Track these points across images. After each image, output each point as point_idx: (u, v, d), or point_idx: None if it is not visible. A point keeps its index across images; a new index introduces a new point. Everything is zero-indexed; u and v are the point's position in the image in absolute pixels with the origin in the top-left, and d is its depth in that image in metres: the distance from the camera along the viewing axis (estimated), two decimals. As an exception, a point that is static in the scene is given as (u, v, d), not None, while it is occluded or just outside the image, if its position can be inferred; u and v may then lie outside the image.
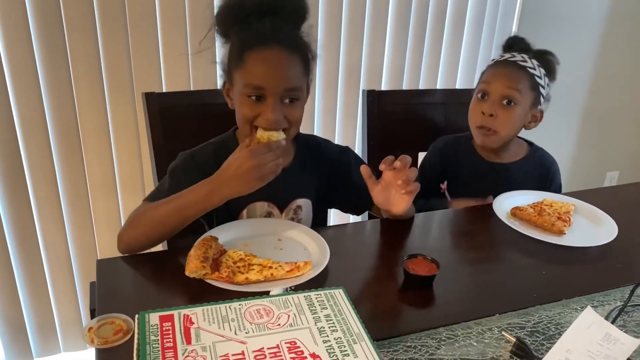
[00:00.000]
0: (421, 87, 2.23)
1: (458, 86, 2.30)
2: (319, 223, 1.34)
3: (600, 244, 1.14)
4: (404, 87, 2.20)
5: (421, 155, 1.89)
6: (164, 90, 1.84)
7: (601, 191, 1.58)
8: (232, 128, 1.26)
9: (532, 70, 1.40)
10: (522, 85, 1.40)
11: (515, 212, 1.26)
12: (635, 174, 2.92)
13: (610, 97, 2.65)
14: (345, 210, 1.43)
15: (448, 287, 1.00)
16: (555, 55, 1.46)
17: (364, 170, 1.14)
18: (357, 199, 1.34)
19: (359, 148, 2.21)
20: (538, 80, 1.41)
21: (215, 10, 1.15)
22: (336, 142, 2.21)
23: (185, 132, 1.49)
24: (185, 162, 1.20)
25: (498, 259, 1.13)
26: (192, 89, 1.88)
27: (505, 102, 1.40)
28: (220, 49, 1.19)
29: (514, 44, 1.49)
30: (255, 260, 1.01)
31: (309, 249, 1.09)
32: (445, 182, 1.55)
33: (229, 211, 1.20)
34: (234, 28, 1.12)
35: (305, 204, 1.28)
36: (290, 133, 1.15)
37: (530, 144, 1.56)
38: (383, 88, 2.18)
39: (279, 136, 1.09)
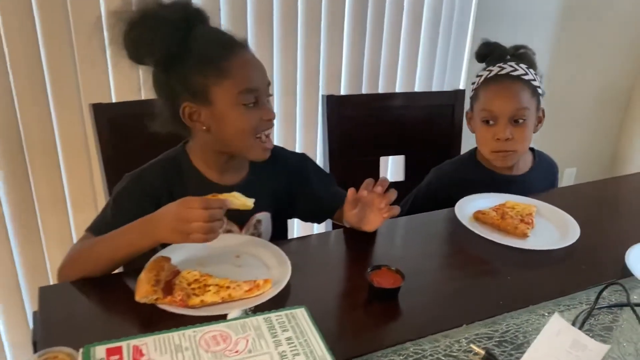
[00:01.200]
0: (380, 90, 2.21)
1: (417, 88, 2.29)
2: (279, 235, 1.29)
3: (563, 246, 1.14)
4: (364, 91, 2.18)
5: (383, 160, 1.87)
6: (113, 101, 1.76)
7: (561, 191, 1.58)
8: (182, 143, 1.19)
9: (526, 77, 1.38)
10: (525, 98, 1.37)
11: (478, 216, 1.25)
12: (592, 169, 2.98)
13: (566, 93, 2.69)
14: (306, 219, 1.39)
15: (414, 298, 0.97)
16: (529, 46, 1.45)
17: (351, 193, 1.10)
18: (318, 208, 1.30)
19: (320, 154, 2.18)
20: (534, 83, 1.39)
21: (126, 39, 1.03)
22: (297, 149, 2.19)
23: (136, 143, 1.41)
24: (130, 185, 1.12)
25: (463, 266, 1.10)
26: (143, 98, 1.80)
27: (514, 121, 1.37)
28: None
29: (490, 52, 1.46)
30: (211, 281, 0.96)
31: (269, 265, 1.04)
32: None
33: None
34: (178, 49, 1.04)
35: (264, 218, 1.23)
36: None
37: (532, 149, 1.54)
38: (342, 92, 2.15)
39: (251, 205, 1.02)
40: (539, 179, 1.50)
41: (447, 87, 2.34)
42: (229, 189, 1.10)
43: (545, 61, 2.56)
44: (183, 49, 1.03)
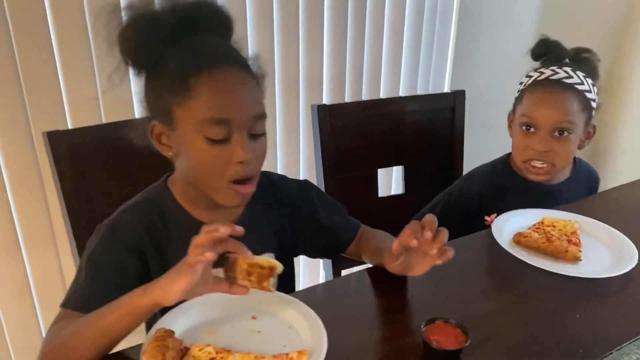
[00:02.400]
0: (364, 97, 2.04)
1: (401, 92, 2.13)
2: (286, 279, 1.09)
3: (625, 270, 0.99)
4: (347, 98, 2.00)
5: (381, 173, 1.70)
6: (69, 127, 1.51)
7: (597, 199, 1.42)
8: (163, 178, 0.98)
9: (580, 87, 1.22)
10: (574, 110, 1.21)
11: (520, 240, 1.09)
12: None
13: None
14: (314, 255, 1.20)
15: (481, 354, 0.80)
16: (594, 51, 1.29)
17: (396, 247, 0.88)
18: (327, 243, 1.11)
19: (307, 169, 1.99)
20: (588, 95, 1.23)
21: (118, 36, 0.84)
22: (278, 165, 2.00)
23: (101, 173, 1.22)
24: (105, 240, 0.90)
25: (523, 305, 0.94)
26: (104, 121, 1.56)
27: (557, 133, 1.22)
28: (136, 80, 0.91)
29: (547, 50, 1.29)
30: (230, 358, 0.76)
31: (296, 327, 0.84)
32: (493, 215, 1.30)
33: None
34: (155, 54, 0.84)
35: None
36: (258, 176, 0.92)
37: (574, 158, 1.39)
38: (325, 101, 1.96)
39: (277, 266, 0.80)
40: (577, 191, 1.35)
41: (432, 89, 2.19)
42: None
43: (527, 61, 2.46)
44: (164, 57, 0.84)
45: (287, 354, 0.76)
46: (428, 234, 0.83)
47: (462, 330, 0.80)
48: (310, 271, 2.08)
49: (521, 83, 1.31)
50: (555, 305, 0.93)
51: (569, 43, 1.31)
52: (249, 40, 1.74)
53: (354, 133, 1.60)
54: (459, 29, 2.18)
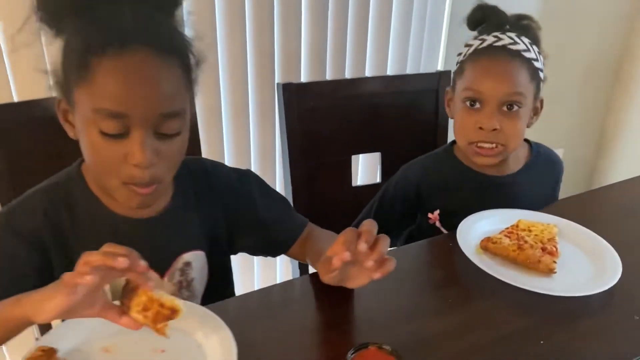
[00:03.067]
0: (347, 76, 1.88)
1: (389, 72, 1.97)
2: (219, 281, 0.97)
3: (605, 287, 0.85)
4: (328, 77, 1.85)
5: (355, 160, 1.56)
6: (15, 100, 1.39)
7: (580, 200, 1.26)
8: (77, 162, 0.85)
9: (527, 54, 1.06)
10: (523, 80, 1.05)
11: (487, 246, 0.95)
12: (580, 150, 2.75)
13: (552, 68, 2.43)
14: (254, 253, 1.06)
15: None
16: (534, 18, 1.13)
17: (334, 264, 0.73)
18: (266, 241, 0.99)
19: (279, 155, 1.85)
20: (536, 64, 1.08)
21: None
22: (252, 151, 1.86)
23: (11, 158, 1.08)
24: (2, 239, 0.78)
25: (479, 326, 0.80)
26: (16, 99, 1.42)
27: (506, 107, 1.05)
28: (48, 48, 0.78)
29: (484, 17, 1.12)
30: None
31: (205, 348, 0.72)
32: (437, 212, 1.17)
33: None
34: (69, 17, 0.70)
35: (195, 258, 0.90)
36: (165, 180, 0.78)
37: (527, 141, 1.23)
38: (303, 80, 1.81)
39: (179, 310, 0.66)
40: (535, 181, 1.18)
41: (423, 70, 2.03)
42: (144, 223, 0.84)
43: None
44: (69, 24, 0.71)
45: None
46: (363, 246, 0.70)
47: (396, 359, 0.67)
48: (265, 266, 1.96)
49: (460, 54, 1.13)
50: (518, 327, 0.79)
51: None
52: (216, 12, 1.59)
53: (326, 115, 1.46)
54: (453, 4, 2.01)
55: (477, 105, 1.06)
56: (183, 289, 0.90)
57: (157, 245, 0.84)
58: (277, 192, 1.01)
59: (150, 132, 0.71)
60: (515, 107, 1.05)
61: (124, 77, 0.68)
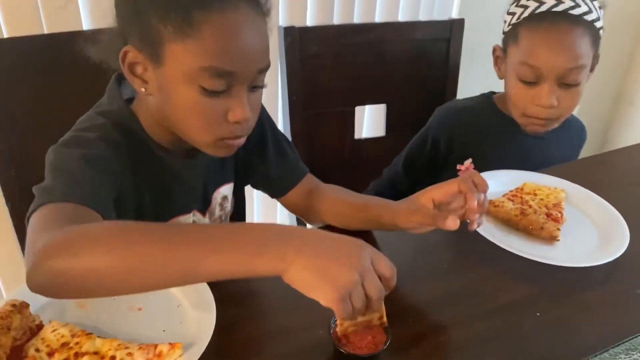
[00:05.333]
0: (356, 20, 1.79)
1: (401, 18, 1.87)
2: (238, 210, 0.97)
3: (613, 257, 0.80)
4: (335, 22, 1.75)
5: (359, 111, 1.50)
6: (5, 36, 1.33)
7: (590, 163, 1.20)
8: (123, 100, 0.76)
9: (589, 17, 0.96)
10: (586, 51, 0.96)
11: (489, 209, 0.90)
12: (595, 108, 2.64)
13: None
14: (258, 188, 1.00)
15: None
16: None
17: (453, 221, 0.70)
18: (269, 183, 0.95)
19: (280, 104, 1.78)
20: (597, 24, 0.98)
21: None
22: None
23: (28, 90, 1.04)
24: (94, 143, 0.69)
25: (472, 295, 0.76)
26: (45, 31, 1.37)
27: (566, 82, 0.98)
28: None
29: None
30: (88, 345, 0.61)
31: (185, 306, 0.69)
32: (468, 161, 1.11)
33: None
34: None
35: (229, 191, 0.91)
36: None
37: None
38: (309, 23, 1.72)
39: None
40: (565, 143, 1.14)
41: (436, 18, 1.92)
42: (191, 160, 0.81)
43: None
44: None
45: (155, 346, 0.61)
46: (481, 198, 0.74)
47: (383, 332, 0.63)
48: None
49: (512, 14, 1.04)
50: (513, 298, 0.76)
51: None
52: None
53: (329, 63, 1.39)
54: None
55: (534, 81, 0.99)
56: (223, 223, 0.90)
57: (201, 182, 0.84)
58: (284, 136, 0.96)
59: (247, 88, 0.69)
60: (576, 81, 0.98)
61: (233, 35, 0.65)
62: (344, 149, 1.48)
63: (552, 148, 1.11)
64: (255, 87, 0.71)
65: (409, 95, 1.48)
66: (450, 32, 1.44)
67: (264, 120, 0.91)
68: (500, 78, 1.10)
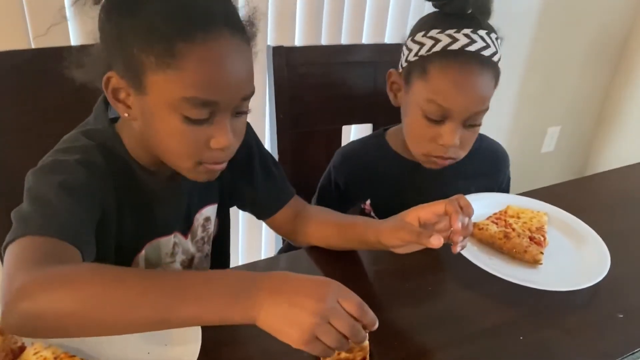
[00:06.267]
0: (343, 41, 1.81)
1: (387, 40, 1.90)
2: (223, 231, 0.97)
3: (594, 281, 0.81)
4: (323, 42, 1.77)
5: (345, 130, 1.51)
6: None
7: (571, 185, 1.22)
8: (107, 120, 0.76)
9: (496, 57, 0.93)
10: (491, 91, 0.94)
11: (474, 232, 0.91)
12: (577, 128, 2.70)
13: (555, 47, 2.36)
14: (243, 207, 1.00)
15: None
16: None
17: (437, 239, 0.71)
18: (255, 205, 0.95)
19: (267, 122, 1.79)
20: (499, 63, 0.95)
21: None
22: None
23: (12, 105, 1.03)
24: (76, 169, 0.68)
25: (457, 318, 0.77)
26: (32, 46, 1.36)
27: (469, 123, 0.94)
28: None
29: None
30: (71, 368, 0.61)
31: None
32: (368, 202, 1.10)
33: (120, 255, 0.78)
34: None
35: (212, 212, 0.91)
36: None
37: None
38: (297, 43, 1.74)
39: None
40: (473, 173, 1.09)
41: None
42: (173, 182, 0.80)
43: (533, 13, 2.21)
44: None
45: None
46: (466, 221, 0.75)
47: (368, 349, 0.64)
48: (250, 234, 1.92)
49: (419, 43, 0.94)
50: (497, 321, 0.77)
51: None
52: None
53: (316, 82, 1.40)
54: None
55: (440, 119, 0.94)
56: (205, 244, 0.91)
57: (185, 203, 0.84)
58: (272, 156, 0.96)
59: (231, 115, 0.70)
60: (477, 122, 0.95)
61: (216, 65, 0.65)
62: (331, 167, 1.49)
63: (456, 180, 1.07)
64: (239, 112, 0.71)
65: (394, 115, 1.50)
66: (436, 55, 1.46)
67: (252, 141, 0.91)
68: (395, 106, 1.07)
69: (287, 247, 1.14)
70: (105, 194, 0.71)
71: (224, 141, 0.69)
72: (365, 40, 1.86)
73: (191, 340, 0.65)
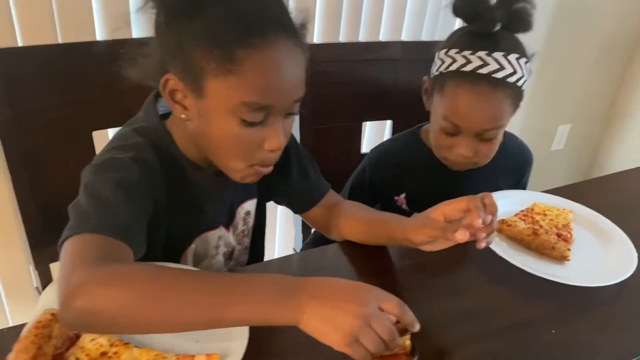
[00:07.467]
0: (361, 39, 1.82)
1: (404, 38, 1.91)
2: (260, 225, 1.00)
3: (622, 277, 0.84)
4: (342, 39, 1.79)
5: (365, 127, 1.53)
6: (19, 44, 1.34)
7: (591, 185, 1.24)
8: (158, 117, 0.79)
9: (512, 78, 0.96)
10: (505, 111, 0.97)
11: (502, 228, 0.94)
12: (587, 127, 2.72)
13: (566, 46, 2.38)
14: (279, 202, 1.03)
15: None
16: None
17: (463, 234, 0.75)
18: (291, 200, 0.98)
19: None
20: (520, 83, 0.98)
21: None
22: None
23: (42, 102, 1.07)
24: (130, 167, 0.70)
25: (487, 312, 0.80)
26: (60, 41, 1.38)
27: (482, 137, 0.99)
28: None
29: (476, 16, 0.96)
30: (126, 355, 0.63)
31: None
32: (402, 195, 1.14)
33: (169, 249, 0.81)
34: (211, 6, 0.66)
35: (252, 206, 0.94)
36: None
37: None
38: (316, 41, 1.75)
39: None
40: (502, 170, 1.14)
41: (438, 38, 1.97)
42: (219, 177, 0.79)
43: (547, 9, 2.22)
44: (208, 7, 0.66)
45: (192, 357, 0.63)
46: (488, 219, 0.75)
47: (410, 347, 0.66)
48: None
49: (442, 60, 1.02)
50: (529, 315, 0.79)
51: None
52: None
53: (337, 79, 1.42)
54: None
55: (454, 132, 1.00)
56: (245, 237, 0.94)
57: (228, 198, 0.88)
58: (307, 155, 0.99)
59: (283, 118, 0.72)
60: (491, 137, 0.99)
61: (273, 71, 0.67)
62: (350, 162, 1.51)
63: (486, 177, 1.10)
64: (290, 113, 0.74)
65: (415, 113, 1.51)
66: (456, 53, 1.48)
67: (289, 140, 0.93)
68: (427, 109, 1.11)
69: (314, 240, 1.17)
70: (157, 191, 0.73)
71: (276, 142, 0.71)
72: (382, 37, 1.87)
73: (239, 330, 0.67)
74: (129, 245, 0.63)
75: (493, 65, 0.94)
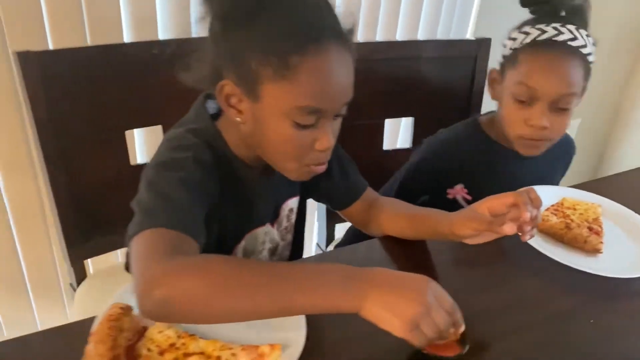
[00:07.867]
0: (379, 38, 1.85)
1: (420, 37, 1.94)
2: (299, 221, 1.03)
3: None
4: (360, 40, 1.81)
5: (388, 123, 1.56)
6: (50, 47, 1.36)
7: (621, 178, 1.28)
8: (208, 117, 0.82)
9: (585, 50, 1.01)
10: (579, 80, 1.01)
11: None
12: (596, 121, 2.74)
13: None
14: (319, 199, 1.08)
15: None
16: None
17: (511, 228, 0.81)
18: (331, 198, 1.02)
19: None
20: (590, 59, 1.03)
21: None
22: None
23: (76, 102, 1.11)
24: (189, 165, 0.73)
25: (527, 303, 0.83)
26: (89, 43, 1.41)
27: (557, 106, 1.01)
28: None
29: (542, 4, 1.03)
30: (193, 346, 0.66)
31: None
32: (459, 186, 1.15)
33: (221, 246, 0.85)
34: (267, 14, 0.69)
35: (295, 204, 0.99)
36: None
37: None
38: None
39: None
40: (552, 161, 1.18)
41: (453, 37, 1.99)
42: (267, 175, 0.85)
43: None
44: (264, 15, 0.69)
45: (257, 347, 0.66)
46: (534, 212, 0.79)
47: (460, 339, 0.69)
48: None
49: (513, 39, 1.06)
50: (567, 306, 0.82)
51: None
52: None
53: (359, 78, 1.43)
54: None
55: (528, 102, 1.03)
56: (288, 233, 0.98)
57: (274, 195, 0.91)
58: (347, 155, 1.02)
59: (332, 118, 0.75)
60: (566, 107, 1.02)
61: (326, 76, 0.70)
62: (373, 159, 1.54)
63: (539, 167, 1.15)
64: (338, 115, 0.77)
65: (436, 110, 1.55)
66: (477, 50, 1.51)
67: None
68: (493, 99, 1.14)
69: (351, 237, 1.20)
70: (213, 189, 0.76)
71: (326, 143, 0.75)
72: (399, 37, 1.90)
73: (297, 322, 0.70)
74: (193, 239, 0.66)
75: (567, 35, 0.99)
